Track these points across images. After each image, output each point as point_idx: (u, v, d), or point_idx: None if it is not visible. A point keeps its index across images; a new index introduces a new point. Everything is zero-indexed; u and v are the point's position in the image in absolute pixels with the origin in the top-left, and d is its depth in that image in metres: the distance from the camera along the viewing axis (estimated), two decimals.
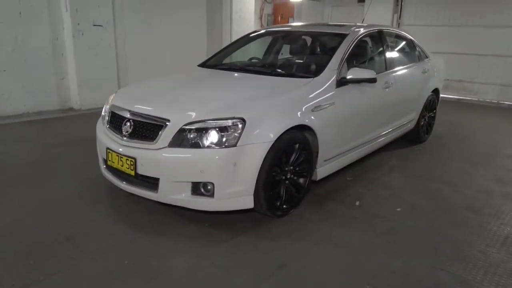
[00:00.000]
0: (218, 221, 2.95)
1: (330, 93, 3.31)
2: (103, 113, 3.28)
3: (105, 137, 3.06)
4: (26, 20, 5.83)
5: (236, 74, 3.72)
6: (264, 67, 4.10)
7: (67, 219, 2.93)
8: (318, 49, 4.09)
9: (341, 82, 3.41)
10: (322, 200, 3.39)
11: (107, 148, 2.97)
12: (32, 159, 4.12)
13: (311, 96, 3.16)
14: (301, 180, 3.17)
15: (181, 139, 2.66)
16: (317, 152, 3.24)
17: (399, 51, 4.71)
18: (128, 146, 2.83)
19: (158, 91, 3.27)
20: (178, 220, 2.95)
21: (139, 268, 2.38)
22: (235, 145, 2.62)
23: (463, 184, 3.85)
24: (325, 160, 3.36)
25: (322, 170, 3.37)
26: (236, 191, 2.69)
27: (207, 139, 2.63)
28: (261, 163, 2.69)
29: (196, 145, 2.64)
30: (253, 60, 4.36)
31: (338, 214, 3.15)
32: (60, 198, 3.25)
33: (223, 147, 2.62)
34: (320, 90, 3.26)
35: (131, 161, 2.78)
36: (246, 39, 4.49)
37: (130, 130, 2.85)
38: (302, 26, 4.80)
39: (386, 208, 3.29)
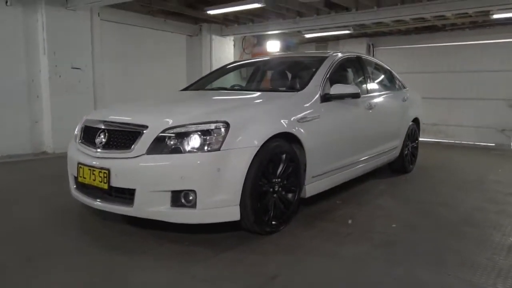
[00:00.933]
0: (200, 240, 2.67)
1: (315, 107, 3.22)
2: (76, 132, 3.07)
3: (76, 153, 2.83)
4: (1, 61, 5.72)
5: (219, 92, 3.63)
6: (249, 88, 4.04)
7: (32, 243, 2.59)
8: (301, 71, 4.07)
9: (325, 97, 3.35)
10: (312, 219, 3.15)
11: (78, 163, 2.73)
12: None
13: (296, 107, 3.07)
14: (290, 196, 2.96)
15: (160, 146, 2.47)
16: (305, 166, 3.07)
17: (378, 77, 4.77)
18: (102, 157, 2.60)
19: (136, 106, 3.12)
20: (156, 241, 2.65)
21: (112, 284, 2.06)
22: (218, 149, 2.45)
23: (456, 205, 3.70)
24: (313, 177, 3.18)
25: (311, 187, 3.17)
26: (221, 200, 2.46)
27: (188, 143, 2.45)
28: (247, 169, 2.51)
29: (177, 150, 2.44)
30: (235, 87, 4.29)
31: (331, 231, 2.92)
32: (26, 224, 2.92)
33: (205, 151, 2.43)
34: (305, 103, 3.18)
35: (104, 173, 2.54)
36: (226, 69, 4.47)
37: (104, 141, 2.64)
38: (282, 55, 4.85)
39: (380, 225, 3.08)
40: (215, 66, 8.69)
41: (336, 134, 3.41)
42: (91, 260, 2.34)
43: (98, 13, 6.69)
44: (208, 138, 2.46)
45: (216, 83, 4.35)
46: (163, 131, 2.48)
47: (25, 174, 4.70)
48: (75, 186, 2.89)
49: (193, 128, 2.48)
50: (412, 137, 5.14)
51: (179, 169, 2.40)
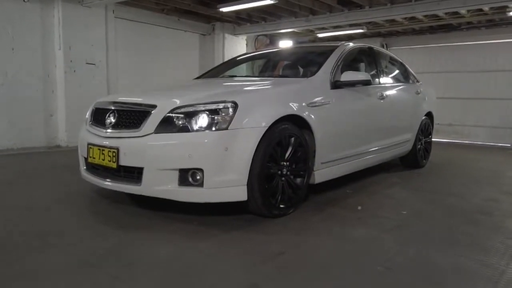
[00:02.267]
0: (209, 220, 2.66)
1: (325, 93, 3.20)
2: (86, 116, 3.11)
3: (86, 134, 2.87)
4: (18, 56, 5.85)
5: (232, 78, 3.64)
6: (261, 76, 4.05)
7: (41, 221, 2.62)
8: (311, 60, 4.05)
9: (336, 85, 3.33)
10: (322, 206, 3.12)
11: (88, 144, 2.76)
12: (7, 180, 3.85)
13: (306, 91, 3.06)
14: (298, 180, 2.94)
15: (168, 125, 2.48)
16: (314, 152, 3.05)
17: (391, 70, 4.72)
18: (111, 137, 2.63)
19: (147, 90, 3.14)
20: (165, 221, 2.65)
21: (116, 256, 2.07)
22: (226, 129, 2.45)
23: (469, 196, 3.62)
24: (322, 163, 3.15)
25: (320, 173, 3.15)
26: (228, 180, 2.46)
27: (196, 122, 2.46)
28: (254, 149, 2.50)
29: (185, 129, 2.45)
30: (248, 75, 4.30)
31: (340, 216, 2.88)
32: (40, 206, 2.96)
33: (213, 130, 2.43)
34: (315, 88, 3.17)
35: (113, 152, 2.56)
36: (238, 60, 4.48)
37: (113, 121, 2.67)
38: (293, 46, 4.84)
39: (390, 212, 3.03)
40: None
41: (346, 121, 3.38)
42: (101, 237, 2.35)
43: (113, 11, 6.79)
44: (216, 117, 2.46)
45: (230, 73, 4.38)
46: (171, 111, 2.49)
47: (38, 163, 4.78)
48: (85, 167, 2.92)
49: (201, 107, 2.49)
50: (425, 131, 5.06)
51: (187, 148, 2.41)
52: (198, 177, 2.44)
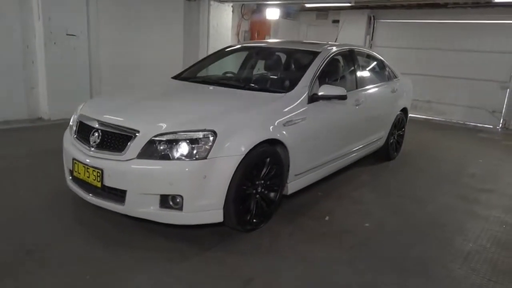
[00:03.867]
0: (186, 235, 2.90)
1: (302, 109, 3.35)
2: (71, 123, 3.20)
3: (72, 148, 2.99)
4: None
5: (209, 88, 3.73)
6: (238, 82, 4.13)
7: (28, 233, 2.81)
8: (292, 66, 4.15)
9: (313, 98, 3.47)
10: (292, 215, 3.40)
11: (74, 159, 2.90)
12: None
13: (283, 110, 3.20)
14: (272, 195, 3.17)
15: (150, 151, 2.63)
16: (288, 166, 3.26)
17: (369, 70, 4.85)
18: (95, 157, 2.77)
19: (129, 102, 3.23)
20: (145, 234, 2.88)
21: (101, 284, 2.31)
22: (205, 158, 2.61)
23: (428, 201, 3.95)
24: (296, 175, 3.38)
25: (293, 185, 3.39)
26: (206, 205, 2.67)
27: (177, 151, 2.61)
28: (231, 176, 2.69)
29: (166, 156, 2.61)
30: (227, 75, 4.38)
31: (308, 229, 3.16)
32: (22, 211, 3.13)
33: (193, 159, 2.60)
34: (292, 105, 3.30)
35: (98, 172, 2.71)
36: (221, 54, 4.53)
37: (98, 141, 2.79)
38: (277, 43, 4.89)
39: (354, 223, 3.33)
40: (212, 32, 8.62)
41: (321, 134, 3.57)
42: (83, 262, 2.55)
43: None
44: (196, 146, 2.62)
45: (209, 70, 4.44)
46: (154, 137, 2.63)
47: (20, 148, 4.85)
48: (70, 177, 3.07)
49: (182, 135, 2.63)
50: (398, 125, 5.30)
51: (168, 176, 2.58)
52: (178, 201, 2.64)
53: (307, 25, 11.09)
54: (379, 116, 4.70)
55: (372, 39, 10.11)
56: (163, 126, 2.68)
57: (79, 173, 2.86)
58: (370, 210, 3.62)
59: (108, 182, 2.70)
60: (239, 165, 2.72)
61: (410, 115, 5.70)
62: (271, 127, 3.02)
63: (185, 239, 2.86)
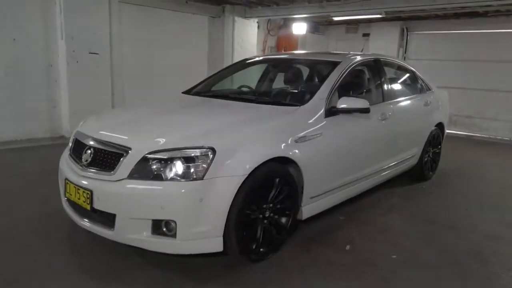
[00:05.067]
0: (184, 265, 2.59)
1: (318, 124, 3.01)
2: (69, 143, 3.02)
3: (65, 167, 2.79)
4: (20, 46, 5.76)
5: (217, 101, 3.46)
6: (251, 95, 3.85)
7: (14, 259, 2.60)
8: (310, 78, 3.83)
9: (331, 111, 3.12)
10: (308, 242, 3.01)
11: (66, 179, 2.69)
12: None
13: (295, 125, 2.88)
14: (283, 220, 2.82)
15: (142, 170, 2.37)
16: (302, 188, 2.90)
17: (398, 81, 4.45)
18: (86, 176, 2.54)
19: (130, 119, 3.01)
20: (140, 264, 2.60)
21: None
22: (201, 178, 2.32)
23: (468, 229, 3.44)
24: (311, 197, 3.01)
25: (308, 209, 3.01)
26: (202, 232, 2.36)
27: (170, 170, 2.33)
28: (231, 199, 2.37)
29: (158, 177, 2.34)
30: (243, 88, 4.11)
31: (324, 260, 2.77)
32: (13, 234, 2.94)
33: (188, 180, 2.31)
34: (307, 119, 2.97)
35: (87, 193, 2.47)
36: (236, 67, 4.28)
37: (89, 159, 2.57)
38: (297, 54, 4.59)
39: (379, 254, 2.90)
40: (238, 49, 8.46)
41: (340, 151, 3.19)
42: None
43: None
44: (191, 165, 2.33)
45: (224, 84, 4.19)
46: (147, 155, 2.37)
47: (32, 166, 4.78)
48: (65, 199, 2.86)
49: (177, 153, 2.35)
50: (434, 142, 4.81)
51: (159, 199, 2.30)
52: (172, 226, 2.35)
53: (336, 40, 10.74)
54: (410, 131, 4.25)
55: (405, 52, 9.61)
56: (158, 143, 2.42)
57: (71, 194, 2.64)
58: (399, 239, 3.17)
59: (97, 205, 2.45)
60: (241, 186, 2.40)
61: (448, 131, 5.19)
62: (281, 143, 2.69)
63: (182, 269, 2.54)
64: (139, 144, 2.45)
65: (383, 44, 9.42)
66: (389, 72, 4.17)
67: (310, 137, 2.90)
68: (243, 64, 4.32)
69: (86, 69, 6.23)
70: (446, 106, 5.15)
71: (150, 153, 2.37)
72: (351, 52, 4.01)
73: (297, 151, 2.76)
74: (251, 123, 2.75)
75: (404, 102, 4.20)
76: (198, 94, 3.83)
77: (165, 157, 2.35)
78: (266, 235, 2.68)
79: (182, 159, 2.34)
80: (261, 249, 2.65)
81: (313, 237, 3.10)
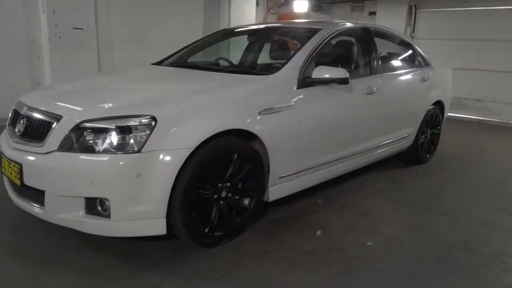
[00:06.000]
0: (127, 249, 2.32)
1: (289, 95, 2.68)
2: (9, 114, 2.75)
3: (3, 139, 2.52)
4: None
5: (182, 71, 3.15)
6: (220, 65, 3.51)
7: None
8: (286, 47, 3.47)
9: (305, 82, 2.78)
10: (276, 227, 2.71)
11: (1, 152, 2.42)
12: None
13: (260, 96, 2.55)
14: (246, 201, 2.52)
15: (73, 142, 2.08)
16: (269, 166, 2.59)
17: (391, 54, 4.05)
18: (16, 149, 2.27)
19: (77, 88, 2.73)
20: (78, 246, 2.33)
21: None
22: (139, 151, 2.02)
23: (459, 215, 3.09)
24: (280, 177, 2.70)
25: (276, 190, 2.70)
26: (141, 212, 2.07)
27: (104, 141, 2.05)
28: (175, 175, 2.08)
29: (90, 149, 2.05)
30: (219, 60, 3.77)
31: (290, 246, 2.46)
32: None
33: (122, 153, 2.02)
34: (275, 89, 2.64)
35: (17, 167, 2.21)
36: (217, 36, 3.93)
37: (22, 130, 2.30)
38: (280, 23, 4.22)
39: (353, 240, 2.58)
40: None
41: (315, 127, 2.86)
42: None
43: None
44: (127, 136, 2.04)
45: (201, 55, 3.86)
46: (78, 124, 2.08)
47: None
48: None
49: (111, 123, 2.06)
50: (432, 123, 4.42)
51: (89, 173, 2.02)
52: (106, 206, 2.07)
53: (341, 19, 10.23)
54: (402, 108, 3.87)
55: (413, 31, 9.08)
56: (92, 111, 2.14)
57: (5, 169, 2.38)
58: (379, 225, 2.84)
59: (27, 181, 2.18)
60: (187, 161, 2.11)
61: (458, 115, 4.77)
62: (239, 115, 2.38)
63: (124, 254, 2.27)
64: (72, 112, 2.16)
65: (390, 23, 8.85)
66: (380, 43, 3.78)
67: (277, 109, 2.57)
68: (223, 34, 3.98)
69: (69, 45, 5.94)
70: (448, 84, 4.73)
71: (82, 122, 2.08)
72: (338, 21, 3.64)
73: (260, 124, 2.45)
74: (207, 92, 2.44)
75: (396, 76, 3.81)
76: (170, 65, 3.52)
77: (98, 127, 2.06)
78: (223, 218, 2.39)
79: (118, 129, 2.04)
80: (215, 233, 2.36)
81: (283, 221, 2.80)
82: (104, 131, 2.05)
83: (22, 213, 2.43)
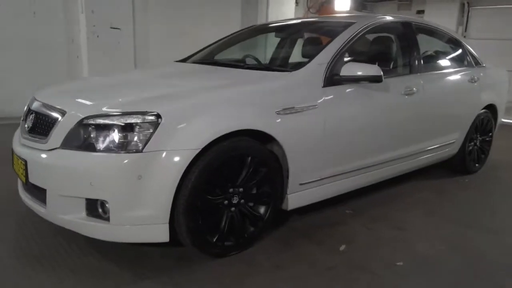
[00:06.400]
0: (129, 255, 2.17)
1: (313, 93, 2.44)
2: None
3: (15, 136, 2.47)
4: (40, 20, 5.66)
5: (200, 67, 3.00)
6: (243, 61, 3.32)
7: None
8: (315, 43, 3.21)
9: (332, 80, 2.52)
10: (296, 237, 2.47)
11: (12, 149, 2.37)
12: None
13: (280, 93, 2.33)
14: (261, 209, 2.30)
15: (75, 139, 1.97)
16: (288, 171, 2.36)
17: (436, 52, 3.68)
18: (24, 145, 2.21)
19: (91, 84, 2.65)
20: (81, 248, 2.22)
21: None
22: (141, 151, 1.87)
23: (511, 234, 2.69)
24: (301, 184, 2.45)
25: (296, 197, 2.46)
26: (142, 216, 1.92)
27: (104, 139, 1.91)
28: (178, 178, 1.90)
29: (90, 147, 1.92)
30: (246, 58, 3.58)
31: (307, 261, 2.21)
32: None
33: (122, 152, 1.87)
34: (297, 87, 2.41)
35: (23, 164, 2.14)
36: (241, 35, 3.76)
37: (30, 125, 2.23)
38: (309, 19, 3.96)
39: (381, 258, 2.29)
40: None
41: (342, 129, 2.58)
42: None
43: None
44: (129, 134, 1.89)
45: (230, 52, 3.69)
46: (82, 120, 1.96)
47: None
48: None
49: (114, 119, 1.92)
50: (482, 128, 3.97)
51: (89, 173, 1.89)
52: (107, 208, 1.94)
53: None
54: (447, 111, 3.48)
55: (465, 30, 8.45)
56: (97, 107, 2.01)
57: (15, 166, 2.32)
58: (414, 242, 2.51)
59: (31, 178, 2.10)
60: (194, 163, 1.93)
61: None
62: (254, 114, 2.17)
63: (125, 259, 2.13)
64: (77, 107, 2.05)
65: (440, 22, 8.32)
66: (424, 40, 3.42)
67: (298, 109, 2.33)
68: (252, 31, 3.78)
69: (107, 45, 6.02)
70: (502, 86, 4.24)
71: (86, 118, 1.96)
72: (376, 14, 3.33)
73: (277, 125, 2.22)
74: (220, 89, 2.25)
75: (441, 76, 3.44)
76: (193, 62, 3.38)
77: (101, 123, 1.94)
78: (235, 226, 2.18)
79: (119, 127, 1.90)
80: (225, 243, 2.16)
81: (304, 232, 2.55)
82: (106, 128, 1.92)
83: (31, 212, 2.36)
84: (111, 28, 6.04)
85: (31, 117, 2.25)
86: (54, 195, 1.99)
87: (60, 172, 1.96)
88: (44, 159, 2.02)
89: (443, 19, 8.33)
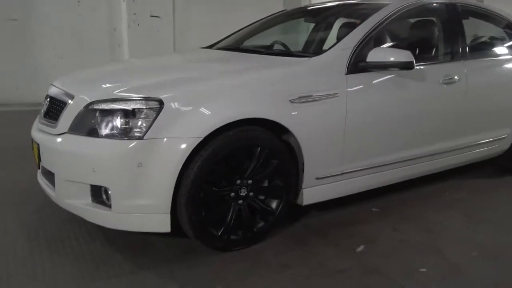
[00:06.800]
0: (134, 244, 2.14)
1: (334, 81, 2.26)
2: None
3: (36, 120, 2.53)
4: (84, 9, 5.86)
5: (221, 54, 2.90)
6: (271, 47, 3.16)
7: None
8: (345, 26, 2.99)
9: (358, 67, 2.32)
10: (309, 235, 2.32)
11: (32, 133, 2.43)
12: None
13: (296, 80, 2.18)
14: (273, 203, 2.18)
15: (81, 124, 1.96)
16: (303, 164, 2.21)
17: (483, 36, 3.30)
18: (39, 129, 2.25)
19: (109, 70, 2.64)
20: (91, 234, 2.22)
21: None
22: (141, 138, 1.81)
23: None
24: (318, 178, 2.29)
25: (311, 192, 2.30)
26: (143, 205, 1.87)
27: (107, 125, 1.88)
28: (179, 167, 1.83)
29: (94, 132, 1.90)
30: (275, 44, 3.43)
31: (318, 261, 2.06)
32: None
33: (123, 139, 1.83)
34: (316, 74, 2.24)
35: (37, 148, 2.18)
36: (270, 20, 3.60)
37: (45, 110, 2.27)
38: (343, 2, 3.70)
39: (402, 263, 2.08)
40: None
41: (367, 120, 2.38)
42: None
43: None
44: (131, 120, 1.84)
45: (258, 38, 3.55)
46: (88, 105, 1.94)
47: None
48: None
49: (116, 105, 1.88)
50: None
51: (91, 159, 1.87)
52: (110, 195, 1.91)
53: None
54: (496, 103, 3.11)
55: None
56: (104, 92, 2.00)
57: (33, 149, 2.37)
58: (443, 247, 2.27)
59: (43, 162, 2.13)
60: (196, 152, 1.85)
61: None
62: (262, 101, 2.04)
63: (132, 248, 2.10)
64: (85, 92, 2.04)
65: (503, 7, 7.59)
66: (469, 24, 3.07)
67: (316, 97, 2.17)
68: (281, 16, 3.62)
69: (147, 33, 6.13)
70: None
71: (92, 103, 1.94)
72: None
73: (291, 114, 2.08)
74: (230, 74, 2.14)
75: (488, 63, 3.09)
76: (218, 48, 3.29)
77: (105, 108, 1.91)
78: (242, 220, 2.08)
79: (121, 112, 1.86)
80: (231, 236, 2.07)
81: (319, 229, 2.39)
82: (109, 114, 1.89)
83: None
84: (151, 16, 6.13)
85: (47, 101, 2.28)
86: (61, 180, 2.00)
87: (67, 157, 1.96)
88: (53, 143, 2.04)
89: (507, 4, 7.62)
